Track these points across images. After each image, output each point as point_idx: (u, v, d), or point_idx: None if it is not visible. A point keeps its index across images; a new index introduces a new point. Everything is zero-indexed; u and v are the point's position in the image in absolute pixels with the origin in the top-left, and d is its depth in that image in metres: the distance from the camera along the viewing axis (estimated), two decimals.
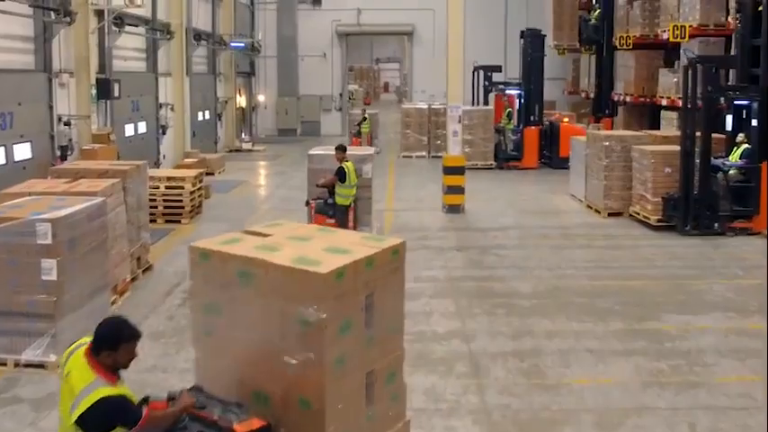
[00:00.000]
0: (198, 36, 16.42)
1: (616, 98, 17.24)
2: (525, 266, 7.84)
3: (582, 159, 11.41)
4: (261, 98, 22.32)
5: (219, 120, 18.56)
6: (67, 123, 10.13)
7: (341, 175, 7.89)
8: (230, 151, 18.64)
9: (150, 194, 9.91)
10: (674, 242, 8.87)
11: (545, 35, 16.43)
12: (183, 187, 9.99)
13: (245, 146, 18.85)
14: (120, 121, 12.17)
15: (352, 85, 36.14)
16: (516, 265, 7.88)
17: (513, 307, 6.52)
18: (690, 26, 12.95)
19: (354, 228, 7.94)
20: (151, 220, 9.84)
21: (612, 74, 17.65)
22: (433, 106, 17.39)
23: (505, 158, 15.28)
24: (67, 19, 9.70)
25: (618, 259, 8.22)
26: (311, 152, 9.21)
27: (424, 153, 17.12)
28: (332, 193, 8.06)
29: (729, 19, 11.68)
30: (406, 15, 21.71)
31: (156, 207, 10.00)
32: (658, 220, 9.40)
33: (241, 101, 20.85)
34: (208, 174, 14.54)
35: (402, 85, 37.05)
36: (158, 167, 13.80)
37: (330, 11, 21.90)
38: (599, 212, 10.57)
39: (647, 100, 16.10)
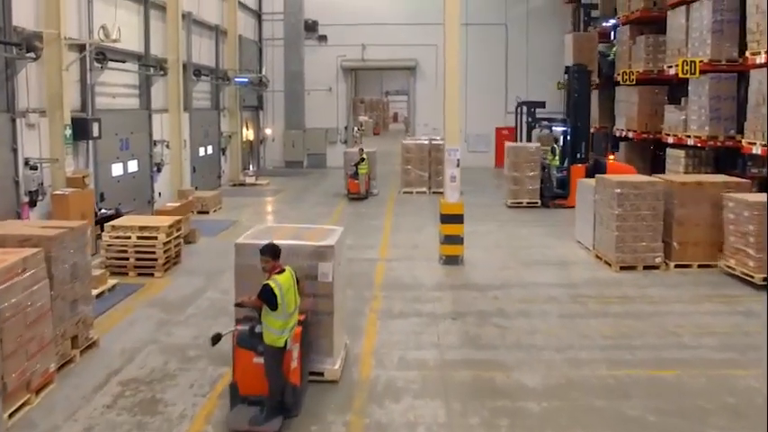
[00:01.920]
0: (199, 71, 14.76)
1: (618, 134, 15.47)
2: (531, 345, 6.00)
3: (589, 204, 9.57)
4: (268, 131, 20.72)
5: (223, 154, 16.87)
6: (34, 167, 8.44)
7: (268, 297, 4.43)
8: (234, 185, 16.92)
9: (121, 245, 8.30)
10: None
11: (591, 71, 14.63)
12: (156, 238, 8.24)
13: (249, 180, 17.10)
14: (105, 161, 10.47)
15: (363, 116, 34.65)
16: (521, 344, 6.04)
17: (518, 414, 4.71)
18: (700, 61, 11.18)
19: (298, 379, 4.63)
20: (122, 273, 8.23)
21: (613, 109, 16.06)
22: (434, 141, 15.59)
23: (551, 196, 13.32)
24: (32, 54, 8.03)
25: (642, 334, 6.35)
26: (240, 241, 5.34)
27: (424, 189, 15.31)
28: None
29: (748, 54, 9.85)
30: (410, 51, 20.14)
31: (127, 259, 8.31)
32: (765, 279, 7.60)
33: (248, 134, 19.20)
34: (202, 212, 12.97)
35: (409, 115, 35.40)
36: (152, 206, 12.13)
37: (335, 46, 20.35)
38: (609, 265, 8.73)
39: (651, 136, 14.35)
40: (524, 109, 15.51)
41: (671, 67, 12.35)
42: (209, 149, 15.85)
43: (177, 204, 10.18)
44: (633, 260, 8.62)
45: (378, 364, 5.62)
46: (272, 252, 4.68)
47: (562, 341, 6.09)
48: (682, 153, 12.42)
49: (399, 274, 8.44)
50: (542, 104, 15.13)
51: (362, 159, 14.54)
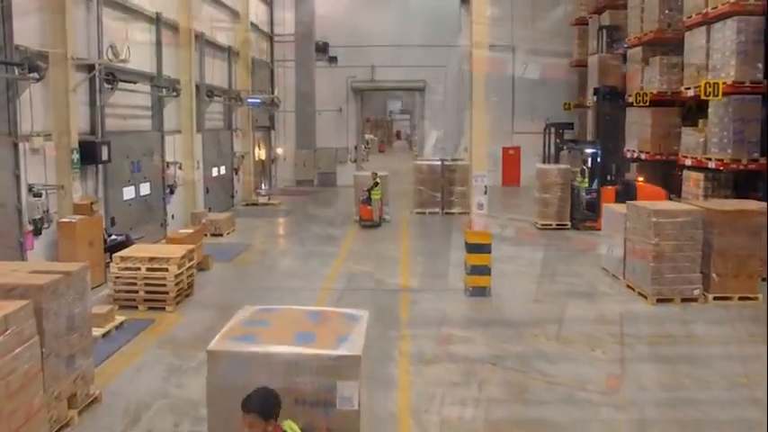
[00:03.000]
0: (212, 92, 13.83)
1: (629, 155, 14.51)
2: (586, 401, 5.00)
3: (617, 230, 8.61)
4: (279, 151, 19.80)
5: (236, 174, 15.89)
6: (38, 194, 7.48)
7: None
8: (247, 205, 15.95)
9: (130, 277, 7.31)
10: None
11: (624, 92, 13.68)
12: (166, 269, 7.25)
13: (262, 199, 16.14)
14: (116, 185, 9.51)
15: (369, 135, 33.79)
16: (573, 399, 5.06)
17: None
18: (723, 83, 10.25)
19: None
20: (131, 307, 7.25)
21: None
22: (446, 162, 14.63)
23: (581, 219, 12.32)
24: (35, 75, 7.08)
25: (705, 384, 5.36)
26: (215, 347, 3.36)
27: (437, 209, 14.30)
28: None
29: None
30: (419, 72, 19.24)
31: (136, 292, 7.32)
32: None
33: (260, 153, 18.25)
34: (215, 235, 11.99)
35: (412, 133, 34.57)
36: (165, 229, 11.15)
37: (346, 68, 19.50)
38: (644, 297, 7.74)
39: (664, 158, 13.40)
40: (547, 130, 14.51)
41: (689, 88, 11.41)
42: (222, 170, 14.89)
43: (190, 231, 9.18)
44: (670, 292, 7.63)
45: (418, 427, 4.64)
46: (261, 408, 2.73)
47: (619, 395, 5.12)
48: (701, 176, 11.46)
49: (424, 308, 7.44)
50: (570, 126, 14.09)
51: (376, 184, 12.82)
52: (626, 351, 6.11)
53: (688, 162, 12.24)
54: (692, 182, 12.25)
